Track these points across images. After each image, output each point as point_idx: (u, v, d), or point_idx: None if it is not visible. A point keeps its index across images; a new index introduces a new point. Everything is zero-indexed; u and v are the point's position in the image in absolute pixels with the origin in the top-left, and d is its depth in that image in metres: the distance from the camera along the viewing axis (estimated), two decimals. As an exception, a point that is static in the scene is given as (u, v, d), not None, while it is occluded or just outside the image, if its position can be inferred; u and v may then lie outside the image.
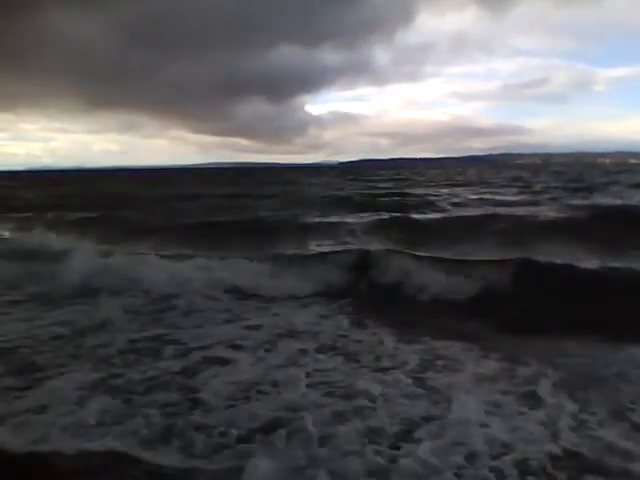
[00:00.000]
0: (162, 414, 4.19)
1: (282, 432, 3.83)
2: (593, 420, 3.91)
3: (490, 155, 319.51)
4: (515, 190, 28.33)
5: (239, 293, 7.77)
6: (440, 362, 5.16)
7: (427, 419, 4.00)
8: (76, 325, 6.64)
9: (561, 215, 14.34)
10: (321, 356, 5.43)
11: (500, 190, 28.96)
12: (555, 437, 3.69)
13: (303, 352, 5.53)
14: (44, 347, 5.85)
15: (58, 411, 4.24)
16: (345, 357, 5.39)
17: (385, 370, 5.02)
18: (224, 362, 5.34)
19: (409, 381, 4.74)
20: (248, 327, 6.43)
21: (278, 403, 4.37)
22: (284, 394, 4.55)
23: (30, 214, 19.05)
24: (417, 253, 9.04)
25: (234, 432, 3.90)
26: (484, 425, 3.85)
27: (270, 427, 3.95)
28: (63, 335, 6.29)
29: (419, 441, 3.67)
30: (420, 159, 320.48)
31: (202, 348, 5.71)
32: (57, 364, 5.33)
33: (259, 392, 4.62)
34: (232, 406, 4.35)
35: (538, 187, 30.18)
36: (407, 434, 3.80)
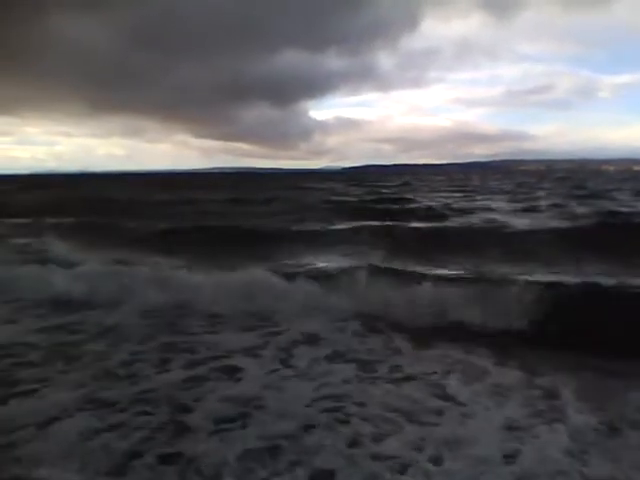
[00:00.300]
0: (135, 440, 3.83)
1: (277, 463, 3.49)
2: (620, 442, 3.70)
3: (493, 161, 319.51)
4: (521, 197, 28.02)
5: (257, 301, 7.37)
6: (458, 372, 5.01)
7: (447, 442, 3.71)
8: (82, 331, 6.38)
9: (571, 224, 13.98)
10: (336, 366, 5.24)
11: (505, 197, 28.61)
12: (583, 465, 3.41)
13: (317, 361, 5.36)
14: (37, 356, 5.53)
15: (18, 435, 3.88)
16: (359, 365, 5.22)
17: (401, 381, 4.85)
18: (233, 372, 5.09)
19: (425, 394, 4.54)
20: (267, 334, 6.21)
21: (278, 424, 4.02)
22: (288, 411, 4.23)
23: (30, 220, 18.68)
24: (428, 267, 8.81)
25: (211, 463, 3.51)
26: (508, 455, 3.57)
27: (262, 456, 3.57)
28: (64, 342, 5.99)
29: (435, 471, 3.39)
30: (423, 165, 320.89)
31: (215, 358, 5.48)
32: (42, 377, 4.96)
33: (260, 408, 4.30)
34: (221, 430, 3.96)
35: (543, 194, 29.88)
36: (420, 461, 3.51)
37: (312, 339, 6.05)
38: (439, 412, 4.21)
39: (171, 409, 4.32)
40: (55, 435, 3.89)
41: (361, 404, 4.37)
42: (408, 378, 4.91)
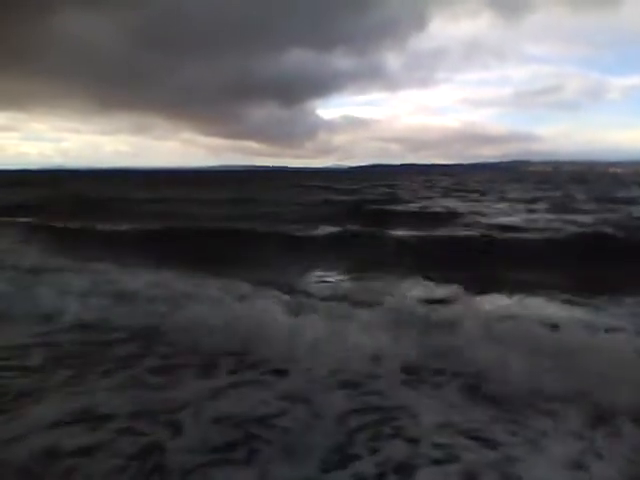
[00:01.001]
0: (97, 474, 2.97)
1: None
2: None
3: (501, 162, 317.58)
4: (533, 197, 27.17)
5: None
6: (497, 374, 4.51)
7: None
8: (111, 330, 5.65)
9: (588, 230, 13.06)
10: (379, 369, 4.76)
11: (520, 197, 27.66)
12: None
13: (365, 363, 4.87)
14: (47, 361, 4.80)
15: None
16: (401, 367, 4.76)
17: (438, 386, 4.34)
18: (276, 376, 4.52)
19: (466, 403, 4.01)
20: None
21: (293, 456, 3.19)
22: (314, 432, 3.47)
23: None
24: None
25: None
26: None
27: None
28: (87, 342, 5.28)
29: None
30: (431, 165, 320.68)
31: (268, 361, 4.87)
32: (40, 388, 4.16)
33: (272, 428, 3.51)
34: (203, 466, 3.02)
35: (558, 194, 29.09)
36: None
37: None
38: (488, 435, 3.59)
39: (164, 428, 3.50)
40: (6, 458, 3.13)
41: (414, 417, 3.72)
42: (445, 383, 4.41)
